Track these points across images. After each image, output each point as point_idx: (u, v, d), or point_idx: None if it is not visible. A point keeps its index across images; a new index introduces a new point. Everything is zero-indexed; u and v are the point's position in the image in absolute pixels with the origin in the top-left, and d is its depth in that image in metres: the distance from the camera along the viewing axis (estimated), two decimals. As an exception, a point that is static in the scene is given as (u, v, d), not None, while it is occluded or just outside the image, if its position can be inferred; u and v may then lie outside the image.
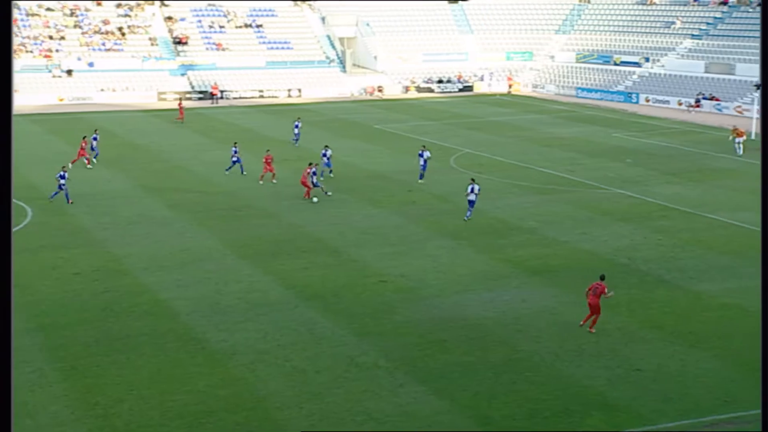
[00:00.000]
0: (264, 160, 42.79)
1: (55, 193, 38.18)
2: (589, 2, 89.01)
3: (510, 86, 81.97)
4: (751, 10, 76.69)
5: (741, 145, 50.15)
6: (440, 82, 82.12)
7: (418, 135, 57.01)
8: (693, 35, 78.13)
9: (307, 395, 20.30)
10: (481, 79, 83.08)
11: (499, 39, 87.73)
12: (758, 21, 74.88)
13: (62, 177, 38.04)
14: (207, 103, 73.54)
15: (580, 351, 22.68)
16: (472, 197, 35.42)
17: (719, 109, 67.18)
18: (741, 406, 19.72)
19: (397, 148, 52.75)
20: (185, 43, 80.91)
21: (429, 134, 57.51)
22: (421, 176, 42.73)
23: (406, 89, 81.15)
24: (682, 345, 23.02)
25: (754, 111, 57.76)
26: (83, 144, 46.66)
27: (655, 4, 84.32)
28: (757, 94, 62.33)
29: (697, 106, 68.16)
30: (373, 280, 28.35)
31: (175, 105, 70.21)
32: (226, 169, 44.38)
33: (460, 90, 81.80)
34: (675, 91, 72.34)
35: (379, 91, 79.84)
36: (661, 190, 41.13)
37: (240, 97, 76.29)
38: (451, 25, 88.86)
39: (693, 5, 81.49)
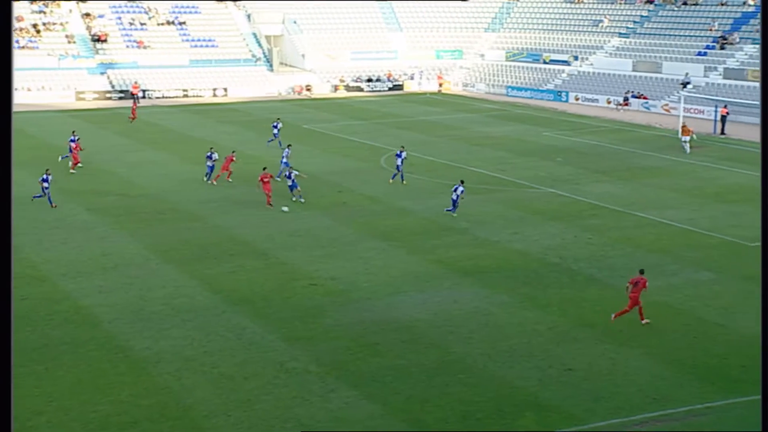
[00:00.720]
0: (227, 159, 41.87)
1: (39, 195, 36.87)
2: (517, 0, 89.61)
3: (440, 85, 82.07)
4: (676, 8, 78.07)
5: (687, 144, 50.67)
6: (369, 80, 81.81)
7: (348, 135, 56.64)
8: (620, 33, 79.23)
9: (235, 403, 19.80)
10: (411, 77, 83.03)
11: (429, 37, 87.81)
12: (683, 19, 76.29)
13: (45, 180, 36.81)
14: (128, 103, 71.85)
15: (512, 352, 22.58)
16: (453, 196, 35.62)
17: (647, 108, 68.18)
18: (670, 403, 19.84)
19: (326, 148, 52.27)
20: (104, 41, 78.94)
21: (359, 134, 57.17)
22: (402, 177, 41.86)
23: (335, 88, 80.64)
24: (612, 343, 23.07)
25: (681, 109, 58.69)
26: (76, 146, 45.13)
27: (583, 2, 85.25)
28: (684, 93, 63.40)
29: (626, 105, 69.08)
30: (303, 284, 27.87)
31: (94, 105, 68.62)
32: (205, 177, 41.98)
33: (390, 89, 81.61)
34: (604, 89, 73.22)
35: (308, 90, 79.20)
36: (591, 188, 41.43)
37: (163, 97, 74.68)
38: (379, 22, 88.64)
39: (620, 3, 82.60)
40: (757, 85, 62.84)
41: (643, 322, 24.09)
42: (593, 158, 49.18)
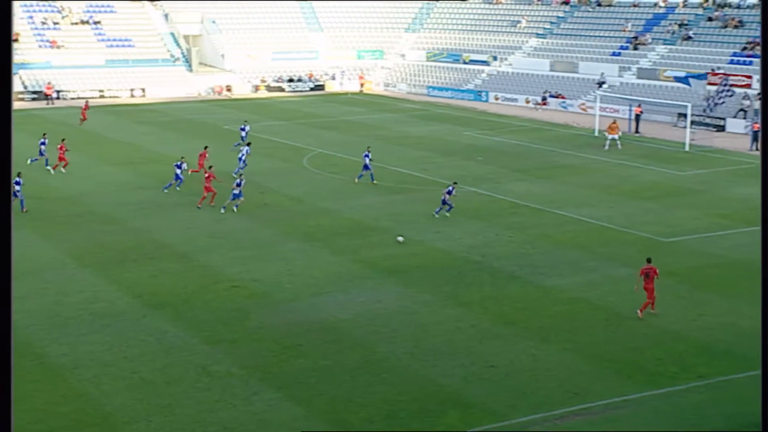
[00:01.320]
0: (200, 156, 41.58)
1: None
2: (437, 1, 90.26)
3: (362, 85, 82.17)
4: (591, 9, 79.61)
5: (618, 141, 51.61)
6: (291, 81, 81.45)
7: (270, 135, 56.27)
8: (538, 34, 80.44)
9: (156, 408, 19.52)
10: (333, 77, 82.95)
11: (350, 37, 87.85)
12: (598, 20, 77.89)
13: (17, 183, 35.56)
14: (42, 104, 70.13)
15: (436, 350, 22.72)
16: (445, 197, 35.49)
17: (564, 107, 69.38)
18: (589, 397, 20.19)
19: (248, 148, 51.77)
20: (16, 41, 76.79)
21: (280, 134, 56.86)
22: (372, 177, 41.86)
23: (256, 88, 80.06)
24: (533, 340, 23.41)
25: (596, 108, 59.89)
26: (62, 146, 44.02)
27: (501, 3, 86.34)
28: (600, 92, 64.72)
29: (544, 104, 70.17)
30: (225, 286, 27.60)
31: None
32: (165, 188, 40.13)
33: (312, 89, 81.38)
34: (522, 89, 74.23)
35: (228, 90, 78.44)
36: (512, 187, 41.95)
37: (78, 98, 72.74)
38: (300, 22, 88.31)
39: (537, 4, 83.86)
40: (669, 84, 64.62)
41: (652, 311, 25.04)
42: (513, 157, 49.83)
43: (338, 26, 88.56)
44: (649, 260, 25.58)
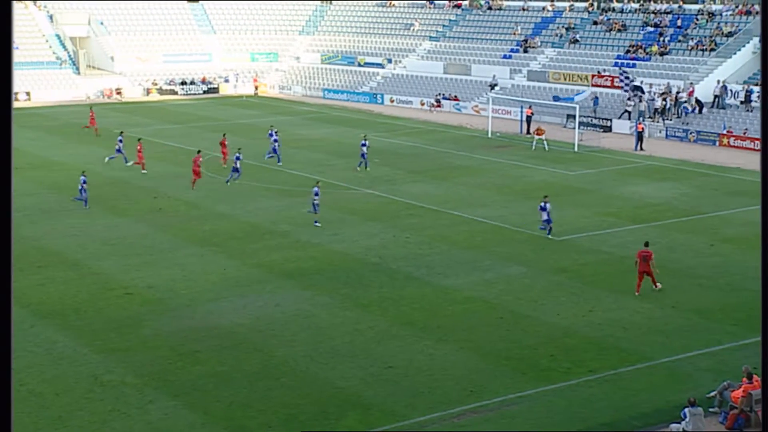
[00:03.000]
0: (194, 161, 41.39)
1: (79, 198, 37.06)
2: (331, 3, 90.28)
3: (256, 88, 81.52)
4: (482, 13, 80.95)
5: (545, 142, 52.68)
6: (184, 84, 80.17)
7: (162, 139, 55.31)
8: (431, 37, 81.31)
9: (46, 421, 18.99)
10: (226, 80, 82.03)
11: (243, 39, 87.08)
12: (489, 23, 79.29)
13: (84, 182, 36.90)
14: None
15: (334, 352, 22.74)
16: (545, 217, 33.10)
17: (458, 109, 70.32)
18: (485, 395, 20.53)
19: (140, 152, 50.71)
20: None
21: (174, 138, 55.93)
22: (366, 165, 45.45)
23: (148, 91, 78.48)
24: (431, 339, 23.66)
25: (489, 110, 60.93)
26: (139, 147, 44.54)
27: (394, 5, 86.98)
28: (492, 94, 65.85)
29: (438, 106, 70.96)
30: (118, 293, 26.98)
31: None
32: (236, 178, 42.02)
33: (205, 92, 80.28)
34: (417, 91, 74.91)
35: (118, 93, 76.67)
36: (408, 188, 42.30)
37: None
38: (192, 24, 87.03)
39: (429, 8, 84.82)
40: (557, 86, 66.24)
41: (656, 286, 27.12)
42: (409, 159, 50.25)
43: (231, 28, 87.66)
44: (646, 244, 27.54)
